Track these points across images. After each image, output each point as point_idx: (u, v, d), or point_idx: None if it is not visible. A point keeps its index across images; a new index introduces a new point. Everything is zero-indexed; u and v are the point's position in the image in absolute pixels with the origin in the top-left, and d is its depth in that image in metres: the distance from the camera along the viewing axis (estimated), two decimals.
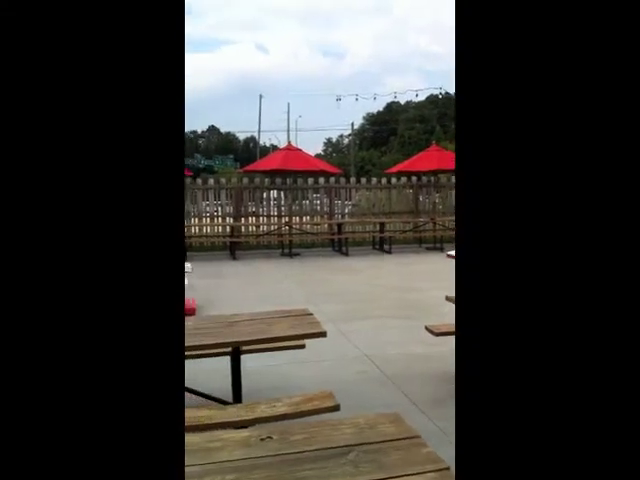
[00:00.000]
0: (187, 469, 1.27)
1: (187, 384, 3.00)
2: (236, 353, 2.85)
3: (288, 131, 39.53)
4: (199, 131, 55.70)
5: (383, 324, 5.16)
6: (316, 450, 1.32)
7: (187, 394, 2.94)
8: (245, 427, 2.24)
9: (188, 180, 11.66)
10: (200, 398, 2.95)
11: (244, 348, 2.96)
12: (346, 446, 1.35)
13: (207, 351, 3.10)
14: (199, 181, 11.95)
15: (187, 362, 3.75)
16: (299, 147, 12.93)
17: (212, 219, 11.44)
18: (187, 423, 2.21)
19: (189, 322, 3.39)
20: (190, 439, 1.49)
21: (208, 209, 11.43)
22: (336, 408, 2.33)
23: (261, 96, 37.08)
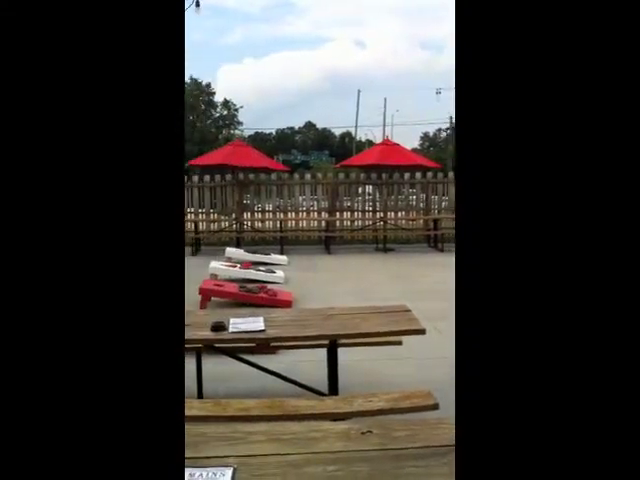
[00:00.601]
0: (289, 457, 1.30)
1: (285, 374, 3.08)
2: (333, 346, 2.88)
3: (384, 126, 39.29)
4: (296, 127, 56.79)
5: None
6: (419, 448, 1.30)
7: (285, 383, 3.02)
8: (341, 419, 2.26)
9: (285, 175, 11.92)
10: (297, 388, 3.01)
11: (340, 341, 2.99)
12: (447, 446, 1.32)
13: (305, 342, 3.16)
14: (296, 176, 12.18)
15: (285, 352, 3.86)
16: (396, 142, 12.79)
17: (308, 213, 11.63)
18: (286, 412, 2.26)
19: (286, 314, 3.47)
20: (290, 428, 1.53)
21: (304, 204, 11.63)
22: (435, 407, 2.29)
23: (359, 91, 37.22)
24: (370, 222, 11.37)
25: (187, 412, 2.26)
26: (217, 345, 2.97)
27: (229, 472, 1.21)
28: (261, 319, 2.87)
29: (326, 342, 2.93)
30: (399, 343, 3.23)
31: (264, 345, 3.32)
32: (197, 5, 6.44)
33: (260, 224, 11.43)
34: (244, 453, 1.31)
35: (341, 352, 2.96)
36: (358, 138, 40.63)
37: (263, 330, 2.74)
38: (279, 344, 3.48)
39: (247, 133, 42.26)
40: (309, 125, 56.36)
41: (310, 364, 3.47)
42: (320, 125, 55.88)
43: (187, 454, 1.31)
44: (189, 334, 2.79)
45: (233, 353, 3.04)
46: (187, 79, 38.27)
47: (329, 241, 10.56)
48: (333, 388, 2.86)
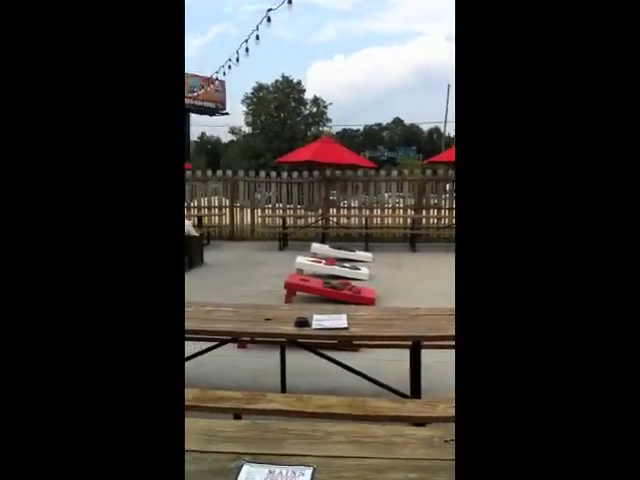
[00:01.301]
0: (369, 461, 1.27)
1: (367, 372, 3.06)
2: (417, 347, 2.82)
3: None
4: (384, 123, 56.42)
5: None
6: None
7: (366, 382, 3.00)
8: (422, 424, 2.21)
9: (372, 172, 11.86)
10: (377, 387, 2.98)
11: (424, 343, 2.92)
12: None
13: (387, 342, 3.12)
14: (382, 173, 12.09)
15: (367, 350, 3.83)
16: None
17: (394, 210, 11.52)
18: (367, 412, 2.24)
19: (370, 312, 3.45)
20: (371, 430, 1.50)
21: (390, 200, 11.52)
22: None
23: (449, 86, 36.26)
24: None
25: (270, 406, 2.30)
26: (300, 340, 2.99)
27: (309, 472, 1.21)
28: (344, 316, 2.86)
29: (409, 343, 2.87)
30: None
31: (346, 342, 3.31)
32: (289, 2, 6.54)
33: (345, 220, 11.46)
34: (324, 453, 1.30)
35: (424, 353, 2.90)
36: (447, 134, 39.64)
37: (346, 328, 2.73)
38: (361, 342, 3.46)
39: (335, 130, 42.60)
40: (397, 121, 55.82)
41: (392, 364, 3.43)
42: (408, 121, 55.22)
43: (268, 450, 1.32)
44: (274, 328, 2.84)
45: (315, 349, 3.06)
46: (278, 77, 39.09)
47: (414, 239, 10.40)
48: (415, 390, 2.80)
